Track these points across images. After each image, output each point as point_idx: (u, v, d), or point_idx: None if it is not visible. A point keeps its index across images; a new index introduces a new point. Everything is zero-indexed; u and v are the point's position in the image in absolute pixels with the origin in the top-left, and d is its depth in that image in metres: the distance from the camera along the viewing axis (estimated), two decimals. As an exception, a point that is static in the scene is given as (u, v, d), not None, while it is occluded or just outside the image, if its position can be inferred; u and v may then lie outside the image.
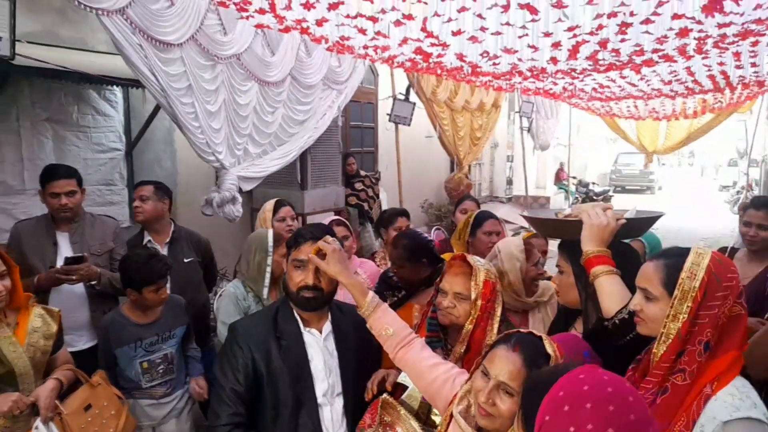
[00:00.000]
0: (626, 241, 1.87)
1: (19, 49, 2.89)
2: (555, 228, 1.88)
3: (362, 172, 6.77)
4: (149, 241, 3.04)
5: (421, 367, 1.61)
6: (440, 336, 1.88)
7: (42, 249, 2.69)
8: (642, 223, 1.84)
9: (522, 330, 1.38)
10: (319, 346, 1.83)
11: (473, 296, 1.72)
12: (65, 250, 2.71)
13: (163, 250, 2.98)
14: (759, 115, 10.74)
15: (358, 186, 6.58)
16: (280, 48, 4.10)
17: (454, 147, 8.22)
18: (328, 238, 1.78)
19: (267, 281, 2.57)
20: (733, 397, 1.22)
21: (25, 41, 3.40)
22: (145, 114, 4.68)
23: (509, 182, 13.80)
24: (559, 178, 15.86)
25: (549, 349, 1.29)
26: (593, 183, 16.77)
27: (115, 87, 4.45)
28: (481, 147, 9.29)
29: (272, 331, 1.81)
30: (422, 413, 1.69)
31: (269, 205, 3.17)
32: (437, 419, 1.61)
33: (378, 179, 7.18)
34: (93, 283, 2.67)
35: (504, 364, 1.28)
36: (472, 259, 1.80)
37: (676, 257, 1.33)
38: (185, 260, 3.07)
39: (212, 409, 1.78)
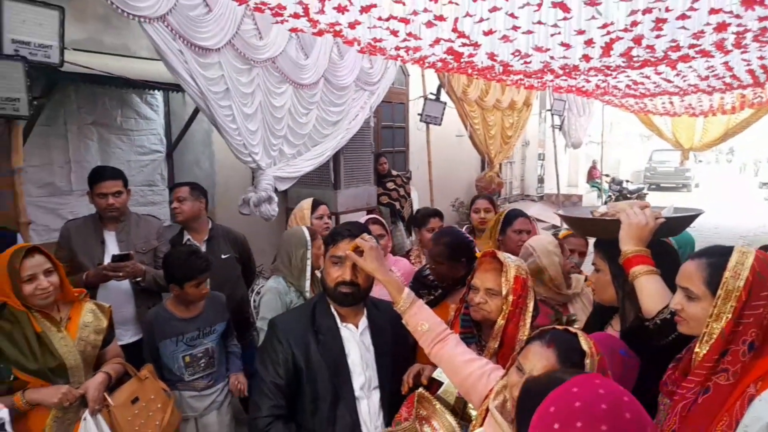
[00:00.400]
0: None
1: (66, 56, 2.99)
2: (591, 227, 1.87)
3: (394, 172, 6.77)
4: (188, 239, 3.12)
5: (456, 363, 1.62)
6: (473, 332, 1.89)
7: (90, 247, 2.77)
8: (680, 222, 1.81)
9: (557, 327, 1.39)
10: (356, 341, 1.86)
11: (504, 292, 1.73)
12: (112, 248, 2.79)
13: (202, 248, 3.04)
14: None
15: (390, 185, 6.58)
16: (313, 51, 4.16)
17: (485, 146, 8.14)
18: (366, 235, 1.81)
19: (308, 274, 2.65)
20: None
21: (72, 48, 3.52)
22: (185, 117, 4.79)
23: (541, 180, 13.61)
24: (592, 176, 15.52)
25: (584, 346, 1.28)
26: (627, 181, 16.38)
27: (156, 91, 4.57)
28: (512, 145, 9.16)
29: (310, 326, 1.85)
30: (458, 408, 1.70)
31: (306, 203, 3.25)
32: (474, 413, 1.62)
33: (409, 178, 7.18)
34: (138, 279, 2.76)
35: (538, 360, 1.29)
36: (503, 255, 1.81)
37: (718, 256, 1.32)
38: (223, 256, 3.14)
39: (253, 401, 1.82)
